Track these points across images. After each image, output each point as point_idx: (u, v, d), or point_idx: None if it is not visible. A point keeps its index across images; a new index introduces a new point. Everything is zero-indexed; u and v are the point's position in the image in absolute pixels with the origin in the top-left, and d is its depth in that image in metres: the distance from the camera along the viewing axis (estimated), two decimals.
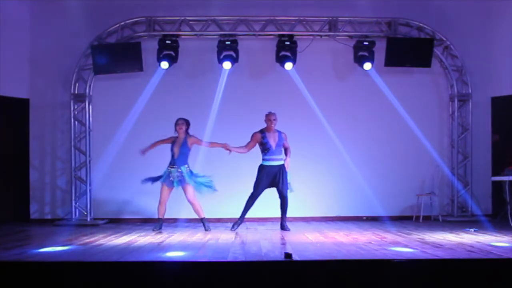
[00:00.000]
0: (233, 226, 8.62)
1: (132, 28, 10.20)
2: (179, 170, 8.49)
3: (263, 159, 8.59)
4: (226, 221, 9.59)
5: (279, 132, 8.65)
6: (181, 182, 8.49)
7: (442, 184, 10.46)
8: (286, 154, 8.69)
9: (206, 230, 8.51)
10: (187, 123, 8.73)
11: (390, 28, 10.28)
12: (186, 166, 8.54)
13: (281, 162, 8.56)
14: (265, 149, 8.55)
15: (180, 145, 8.58)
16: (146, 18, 10.13)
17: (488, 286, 4.91)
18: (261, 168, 8.57)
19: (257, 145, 8.64)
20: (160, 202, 8.63)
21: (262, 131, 8.61)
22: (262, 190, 8.58)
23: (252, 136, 8.62)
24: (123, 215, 10.28)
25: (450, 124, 10.56)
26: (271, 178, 8.52)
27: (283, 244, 6.93)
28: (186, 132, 8.68)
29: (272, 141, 8.54)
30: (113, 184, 10.27)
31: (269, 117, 8.60)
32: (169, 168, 8.56)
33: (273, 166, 8.52)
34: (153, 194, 10.23)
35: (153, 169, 10.27)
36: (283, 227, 8.62)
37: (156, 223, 8.63)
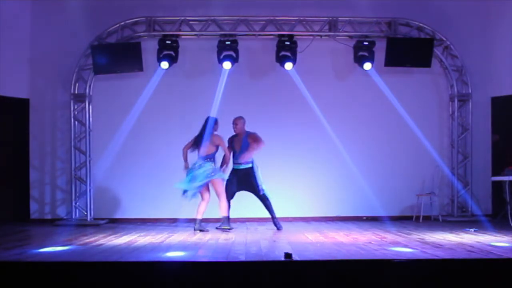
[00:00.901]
0: (219, 225, 8.77)
1: (132, 28, 10.20)
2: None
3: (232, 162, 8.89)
4: None
5: (246, 135, 8.78)
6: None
7: (442, 184, 10.46)
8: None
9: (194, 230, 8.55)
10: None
11: (390, 28, 10.28)
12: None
13: (246, 166, 8.69)
14: (233, 152, 8.84)
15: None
16: (146, 18, 10.13)
17: (488, 286, 4.91)
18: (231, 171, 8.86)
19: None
20: (225, 200, 8.62)
21: (232, 136, 8.88)
22: (231, 190, 8.72)
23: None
24: (123, 215, 10.28)
25: (450, 124, 10.56)
26: (237, 180, 8.70)
27: (283, 244, 6.93)
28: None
29: (237, 145, 8.77)
30: (113, 184, 10.27)
31: (233, 121, 8.84)
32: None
33: (238, 170, 8.73)
34: (152, 194, 10.27)
35: (153, 169, 10.31)
36: (275, 226, 8.70)
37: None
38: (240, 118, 8.82)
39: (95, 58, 9.85)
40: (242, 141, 8.73)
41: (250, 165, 8.69)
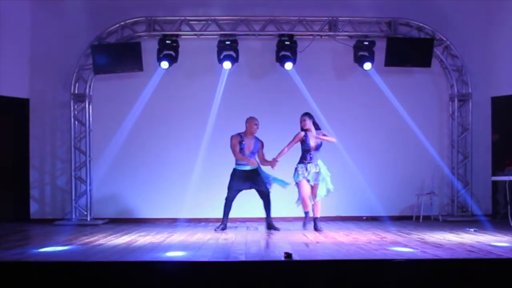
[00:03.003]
0: (217, 227, 8.50)
1: (132, 28, 10.20)
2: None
3: (236, 164, 8.52)
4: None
5: (256, 140, 8.58)
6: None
7: (442, 184, 10.46)
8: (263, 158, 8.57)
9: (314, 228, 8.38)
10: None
11: (390, 28, 10.28)
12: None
13: (254, 167, 8.47)
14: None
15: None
16: (146, 18, 10.13)
17: (488, 286, 4.91)
18: (234, 172, 8.50)
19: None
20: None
21: (240, 135, 8.54)
22: (236, 193, 8.50)
23: (232, 139, 8.50)
24: (123, 215, 10.27)
25: (450, 124, 10.56)
26: (243, 181, 8.43)
27: (283, 244, 6.93)
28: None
29: (247, 148, 8.49)
30: (113, 184, 10.26)
31: (254, 122, 8.52)
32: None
33: (245, 171, 8.45)
34: (152, 194, 10.26)
35: (153, 169, 10.31)
36: (271, 227, 8.55)
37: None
38: (257, 119, 8.60)
39: (95, 58, 9.85)
40: (253, 145, 8.50)
41: (255, 166, 8.53)
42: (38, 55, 10.34)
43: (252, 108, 10.03)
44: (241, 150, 8.47)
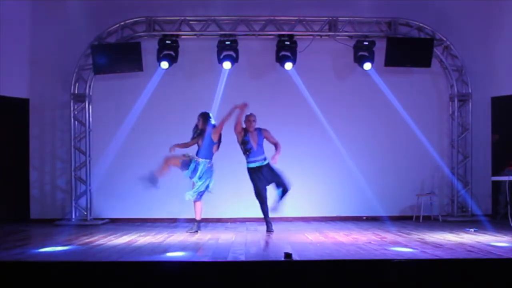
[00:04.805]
0: (268, 230, 8.41)
1: (132, 28, 10.20)
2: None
3: (248, 162, 8.43)
4: (226, 221, 9.61)
5: (259, 130, 8.47)
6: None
7: (442, 184, 10.47)
8: (276, 149, 8.41)
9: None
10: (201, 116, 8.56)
11: (390, 28, 10.28)
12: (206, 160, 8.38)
13: (266, 162, 8.37)
14: (246, 150, 8.40)
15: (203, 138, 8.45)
16: (146, 18, 10.13)
17: (488, 286, 4.91)
18: (251, 171, 8.40)
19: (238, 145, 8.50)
20: None
21: (244, 129, 8.45)
22: (265, 190, 8.39)
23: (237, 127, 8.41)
24: (123, 215, 10.27)
25: (450, 124, 10.57)
26: (264, 176, 8.33)
27: (283, 244, 6.93)
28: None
29: (253, 141, 8.40)
30: (113, 184, 10.26)
31: (249, 118, 8.43)
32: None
33: (259, 167, 8.36)
34: (152, 194, 10.26)
35: (153, 169, 10.30)
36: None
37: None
38: (254, 115, 8.50)
39: (95, 58, 9.85)
40: (257, 137, 8.41)
41: (267, 161, 8.41)
42: (38, 55, 10.35)
43: (252, 108, 10.02)
44: (248, 142, 8.37)
